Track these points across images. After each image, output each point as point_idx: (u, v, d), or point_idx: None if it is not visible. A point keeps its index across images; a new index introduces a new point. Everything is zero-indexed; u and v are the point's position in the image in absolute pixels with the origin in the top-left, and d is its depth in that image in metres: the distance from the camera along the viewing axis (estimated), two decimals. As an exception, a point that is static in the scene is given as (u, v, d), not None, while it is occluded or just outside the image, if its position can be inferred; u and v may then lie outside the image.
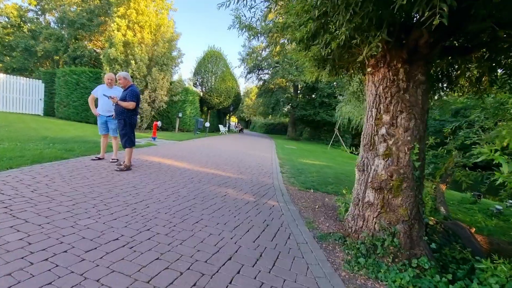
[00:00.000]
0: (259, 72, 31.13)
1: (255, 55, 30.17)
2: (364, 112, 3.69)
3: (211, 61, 23.77)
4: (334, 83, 28.04)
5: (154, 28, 14.75)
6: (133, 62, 13.63)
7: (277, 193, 5.12)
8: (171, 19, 15.70)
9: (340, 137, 23.25)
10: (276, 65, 27.10)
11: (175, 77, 17.90)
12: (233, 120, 69.40)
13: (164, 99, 15.46)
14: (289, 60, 27.67)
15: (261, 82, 32.15)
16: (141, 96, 14.63)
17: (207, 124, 19.06)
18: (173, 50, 15.86)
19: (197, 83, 23.93)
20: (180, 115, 16.86)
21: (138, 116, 15.10)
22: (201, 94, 23.89)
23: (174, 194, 4.07)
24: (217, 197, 4.24)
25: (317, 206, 4.55)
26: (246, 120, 67.35)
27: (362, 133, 3.55)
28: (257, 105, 40.84)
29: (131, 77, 13.75)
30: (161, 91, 15.01)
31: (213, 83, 23.65)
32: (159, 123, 11.06)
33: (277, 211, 4.02)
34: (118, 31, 13.76)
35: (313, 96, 30.88)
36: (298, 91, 32.32)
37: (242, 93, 60.17)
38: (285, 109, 34.45)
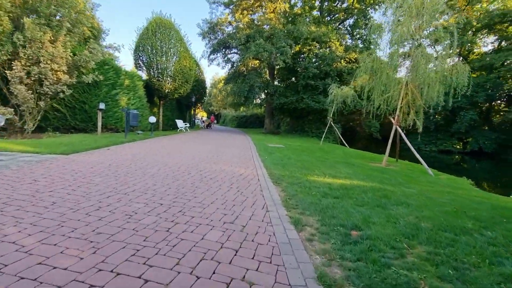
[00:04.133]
0: (226, 51, 24.96)
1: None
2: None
3: (159, 34, 17.28)
4: (318, 62, 22.88)
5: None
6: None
7: None
8: None
9: (336, 128, 18.23)
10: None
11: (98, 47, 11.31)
12: (203, 115, 62.41)
13: (62, 78, 9.00)
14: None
15: (229, 64, 26.04)
16: (10, 72, 7.73)
17: (152, 119, 12.82)
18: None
19: (141, 64, 17.37)
20: (102, 106, 10.48)
21: (11, 110, 8.61)
22: (147, 78, 17.46)
23: None
24: None
25: None
26: (216, 113, 60.88)
27: None
28: (226, 94, 34.84)
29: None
30: (53, 64, 8.54)
31: (164, 63, 17.30)
32: (-4, 119, 4.84)
33: None
34: None
35: (293, 79, 25.55)
36: (275, 75, 26.79)
37: (209, 84, 53.63)
38: (259, 99, 28.66)
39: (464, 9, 24.30)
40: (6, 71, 8.00)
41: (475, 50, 28.10)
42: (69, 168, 4.67)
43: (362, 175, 6.40)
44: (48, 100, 9.23)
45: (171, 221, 2.76)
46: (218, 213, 3.11)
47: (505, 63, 22.36)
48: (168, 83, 17.55)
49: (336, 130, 18.45)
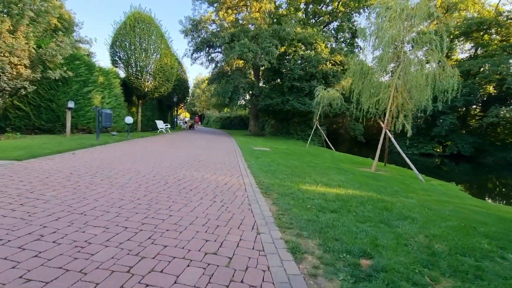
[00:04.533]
0: (210, 50, 24.18)
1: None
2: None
3: (138, 29, 16.30)
4: (303, 63, 22.64)
5: None
6: None
7: None
8: None
9: (322, 131, 17.99)
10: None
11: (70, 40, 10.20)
12: (186, 115, 60.93)
13: (24, 73, 8.01)
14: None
15: (213, 64, 25.28)
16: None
17: (129, 120, 11.89)
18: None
19: (118, 61, 16.31)
20: (71, 105, 9.50)
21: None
22: (125, 76, 16.43)
23: None
24: None
25: None
26: (199, 114, 59.67)
27: None
28: (210, 95, 33.97)
29: None
30: (12, 57, 7.55)
31: (143, 61, 16.36)
32: None
33: None
34: None
35: (278, 81, 25.19)
36: (260, 76, 26.32)
37: (192, 84, 52.37)
38: (243, 101, 27.98)
39: (443, 17, 25.03)
40: (-47, 63, 6.95)
41: (452, 57, 29.11)
42: (16, 178, 3.87)
43: (356, 183, 6.00)
44: (7, 97, 8.18)
45: (135, 254, 2.13)
46: (198, 239, 2.50)
47: (481, 69, 23.20)
48: (148, 82, 16.62)
49: (322, 132, 18.22)
